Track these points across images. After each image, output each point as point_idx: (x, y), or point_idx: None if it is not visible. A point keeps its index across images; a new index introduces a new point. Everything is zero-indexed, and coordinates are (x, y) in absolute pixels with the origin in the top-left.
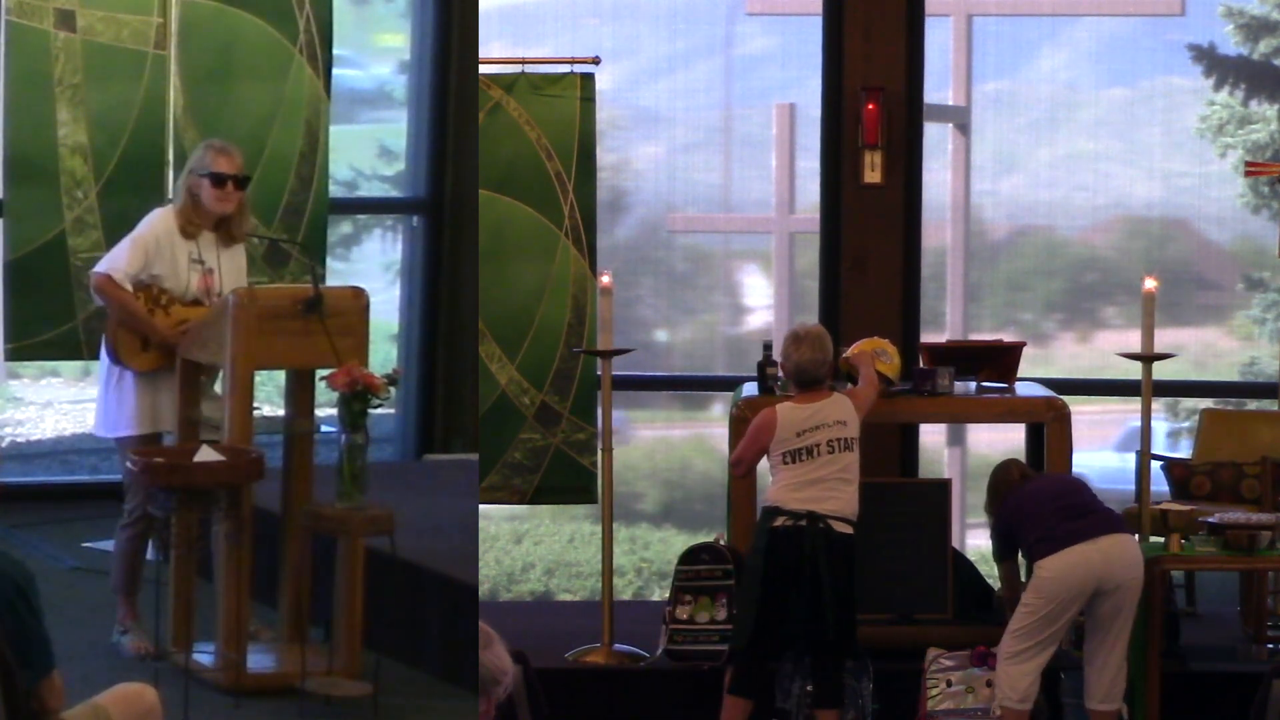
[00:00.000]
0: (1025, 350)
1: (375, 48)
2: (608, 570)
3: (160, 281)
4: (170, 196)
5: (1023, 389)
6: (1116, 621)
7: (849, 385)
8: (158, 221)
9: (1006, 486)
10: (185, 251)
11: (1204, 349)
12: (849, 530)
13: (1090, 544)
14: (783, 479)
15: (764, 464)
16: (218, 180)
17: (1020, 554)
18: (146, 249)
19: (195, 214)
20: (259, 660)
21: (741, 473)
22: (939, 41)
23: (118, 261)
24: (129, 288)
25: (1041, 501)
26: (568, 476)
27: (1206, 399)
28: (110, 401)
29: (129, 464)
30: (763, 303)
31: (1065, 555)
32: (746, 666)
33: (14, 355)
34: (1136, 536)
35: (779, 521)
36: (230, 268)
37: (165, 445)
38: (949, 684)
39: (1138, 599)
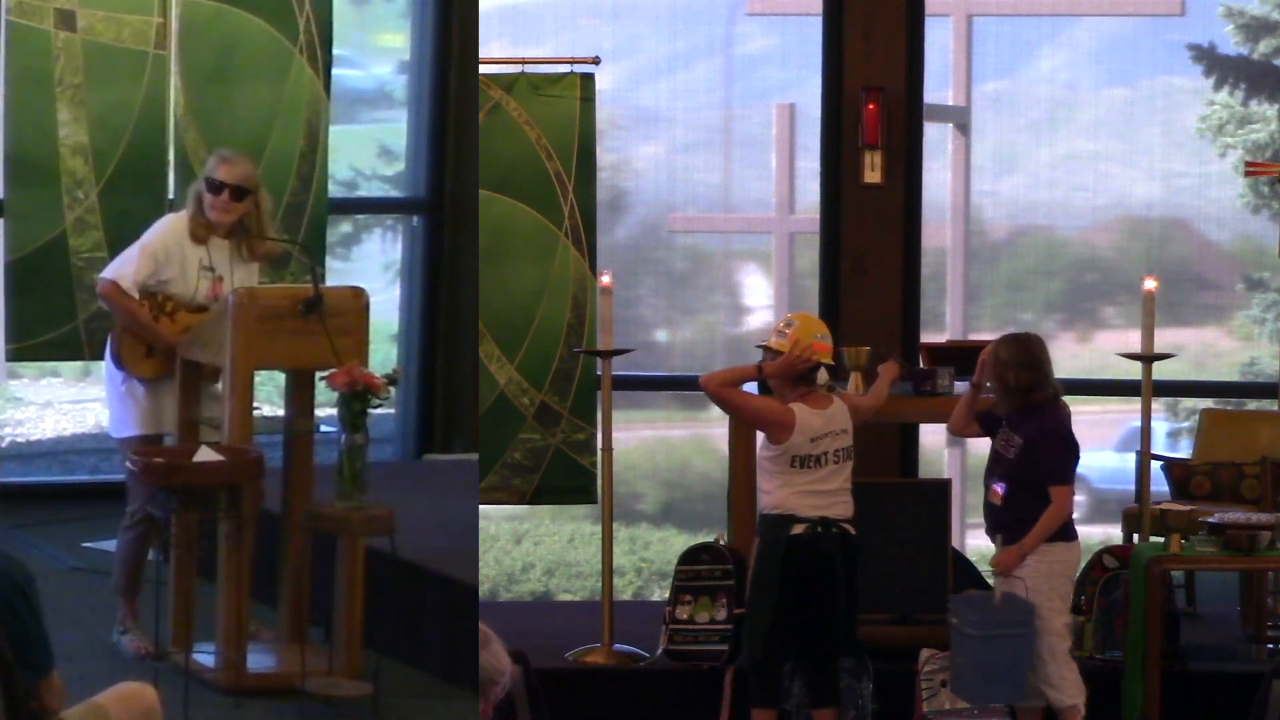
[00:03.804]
0: None
1: (375, 48)
2: (608, 570)
3: (167, 288)
4: (171, 196)
5: None
6: None
7: (841, 387)
8: (168, 229)
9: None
10: (196, 258)
11: (1204, 349)
12: (855, 533)
13: None
14: (793, 484)
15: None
16: (214, 187)
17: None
18: (155, 257)
19: (201, 220)
20: (259, 660)
21: (713, 392)
22: (939, 41)
23: (125, 268)
24: (135, 295)
25: None
26: (567, 476)
27: (1206, 399)
28: (116, 403)
29: (129, 464)
30: (763, 303)
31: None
32: (766, 677)
33: (15, 355)
34: (1136, 537)
35: (797, 529)
36: (241, 280)
37: (165, 445)
38: (943, 684)
39: None
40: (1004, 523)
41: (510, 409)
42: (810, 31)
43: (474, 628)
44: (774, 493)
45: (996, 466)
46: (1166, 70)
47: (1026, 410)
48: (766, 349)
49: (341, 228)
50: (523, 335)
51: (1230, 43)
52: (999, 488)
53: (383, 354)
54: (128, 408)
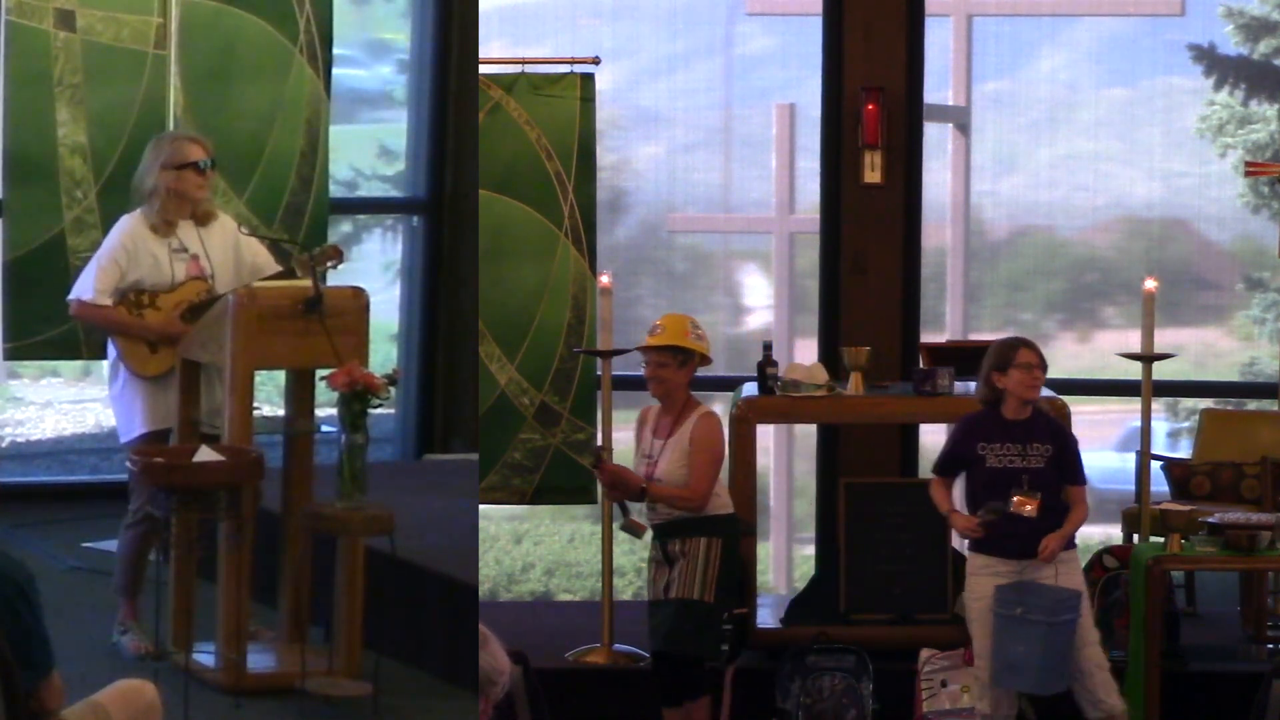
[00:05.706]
0: None
1: (375, 48)
2: (608, 570)
3: (140, 284)
4: None
5: None
6: None
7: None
8: (125, 233)
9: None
10: (165, 246)
11: (1204, 349)
12: None
13: None
14: (718, 481)
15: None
16: (198, 169)
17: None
18: (117, 263)
19: (175, 209)
20: (259, 660)
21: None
22: (939, 41)
23: (86, 284)
24: (107, 303)
25: None
26: (567, 476)
27: (1206, 399)
28: (118, 407)
29: (129, 463)
30: (763, 303)
31: None
32: (707, 673)
33: (13, 355)
34: (1136, 537)
35: (742, 525)
36: (216, 244)
37: (165, 445)
38: (944, 684)
39: None
40: (1038, 531)
41: (510, 409)
42: (810, 31)
43: (474, 628)
44: (722, 493)
45: (1020, 477)
46: (1166, 70)
47: (1036, 414)
48: (686, 350)
49: (341, 228)
50: (523, 335)
51: (1230, 43)
52: (1034, 498)
53: (383, 354)
54: (132, 408)
